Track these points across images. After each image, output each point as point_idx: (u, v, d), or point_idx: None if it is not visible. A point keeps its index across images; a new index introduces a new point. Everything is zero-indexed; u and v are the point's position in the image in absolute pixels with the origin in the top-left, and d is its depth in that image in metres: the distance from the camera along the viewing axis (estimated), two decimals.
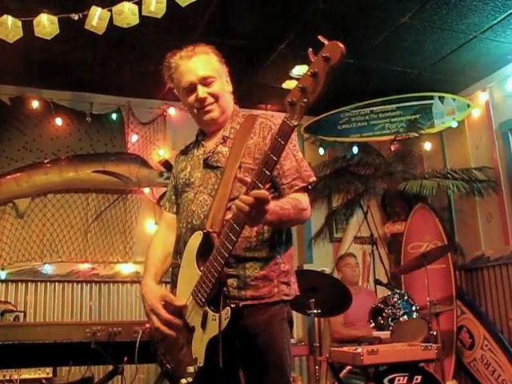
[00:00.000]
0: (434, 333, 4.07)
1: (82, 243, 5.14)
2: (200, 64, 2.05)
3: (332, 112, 5.77)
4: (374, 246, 5.43)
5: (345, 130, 5.77)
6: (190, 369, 1.84)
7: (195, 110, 2.08)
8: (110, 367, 3.13)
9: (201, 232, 1.90)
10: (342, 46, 1.51)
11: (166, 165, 5.24)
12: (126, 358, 2.89)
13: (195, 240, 1.91)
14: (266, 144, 1.96)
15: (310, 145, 5.98)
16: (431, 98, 5.56)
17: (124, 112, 5.49)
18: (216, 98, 2.05)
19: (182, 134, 2.09)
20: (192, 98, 2.06)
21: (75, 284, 5.04)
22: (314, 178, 2.02)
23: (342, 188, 5.94)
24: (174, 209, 2.19)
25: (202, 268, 1.85)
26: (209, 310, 1.81)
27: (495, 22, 4.34)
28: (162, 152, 5.49)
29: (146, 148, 5.53)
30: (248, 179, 1.67)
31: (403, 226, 5.56)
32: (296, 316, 5.68)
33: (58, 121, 5.19)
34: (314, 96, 1.55)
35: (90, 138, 5.32)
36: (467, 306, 5.26)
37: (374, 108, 5.71)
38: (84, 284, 5.07)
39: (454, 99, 5.51)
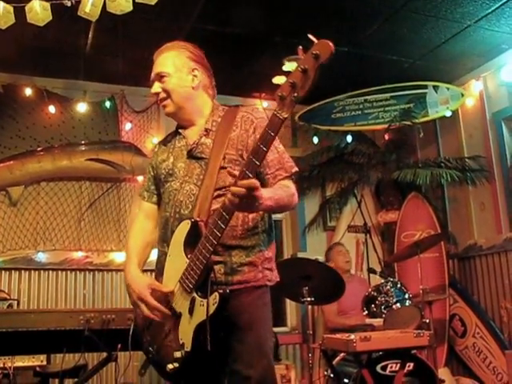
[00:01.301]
0: (427, 321, 4.10)
1: (76, 231, 5.14)
2: (159, 61, 2.14)
3: (326, 101, 5.75)
4: (368, 235, 5.44)
5: (339, 118, 5.76)
6: (177, 354, 1.86)
7: None
8: (104, 354, 3.14)
9: (188, 221, 1.93)
10: (331, 44, 1.60)
11: None
12: (119, 346, 2.90)
13: (183, 229, 1.95)
14: (249, 136, 2.04)
15: (304, 133, 5.96)
16: (425, 87, 5.55)
17: (118, 100, 5.45)
18: (167, 93, 2.12)
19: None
20: None
21: (69, 272, 5.04)
22: (296, 169, 2.09)
23: (336, 177, 5.95)
24: (153, 199, 2.24)
25: (189, 256, 1.89)
26: (197, 295, 1.85)
27: (490, 11, 4.33)
28: (155, 140, 5.43)
29: (139, 136, 5.51)
30: (236, 172, 1.74)
31: (397, 214, 5.58)
32: (289, 304, 5.77)
33: (51, 108, 5.14)
34: (304, 91, 1.64)
35: (83, 126, 5.29)
36: (460, 295, 5.30)
37: (368, 97, 5.70)
38: (78, 272, 5.06)
39: (448, 88, 5.50)
